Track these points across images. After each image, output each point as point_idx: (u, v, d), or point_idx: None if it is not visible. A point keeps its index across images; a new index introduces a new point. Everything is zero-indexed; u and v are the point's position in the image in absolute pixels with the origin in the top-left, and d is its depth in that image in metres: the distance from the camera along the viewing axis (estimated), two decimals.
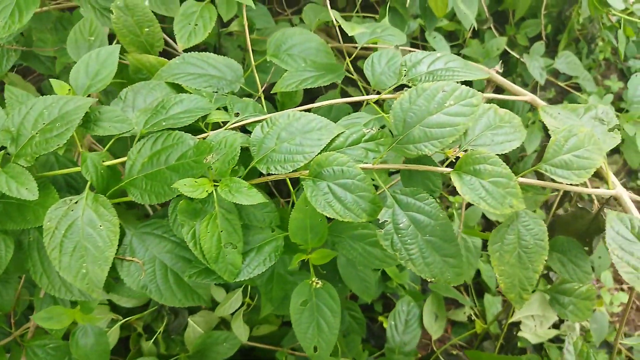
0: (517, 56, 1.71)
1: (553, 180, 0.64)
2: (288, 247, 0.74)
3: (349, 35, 0.86)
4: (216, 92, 0.85)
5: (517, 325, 1.02)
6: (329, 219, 0.68)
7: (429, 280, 0.65)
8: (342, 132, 0.73)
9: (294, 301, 0.72)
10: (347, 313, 1.27)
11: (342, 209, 0.65)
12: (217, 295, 0.99)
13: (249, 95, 0.95)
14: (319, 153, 0.69)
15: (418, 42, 1.78)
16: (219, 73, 0.88)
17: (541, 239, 0.65)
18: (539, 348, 1.73)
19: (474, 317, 1.67)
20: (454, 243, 0.66)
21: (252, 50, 0.99)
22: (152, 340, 0.97)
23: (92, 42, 0.92)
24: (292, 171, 0.69)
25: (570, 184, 0.64)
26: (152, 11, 0.97)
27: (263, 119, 0.74)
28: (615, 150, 2.18)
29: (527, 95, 0.89)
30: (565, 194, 0.87)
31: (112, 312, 1.02)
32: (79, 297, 0.73)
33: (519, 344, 1.66)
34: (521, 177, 0.67)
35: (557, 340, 1.77)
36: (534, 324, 0.99)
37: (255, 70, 0.95)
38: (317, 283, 0.70)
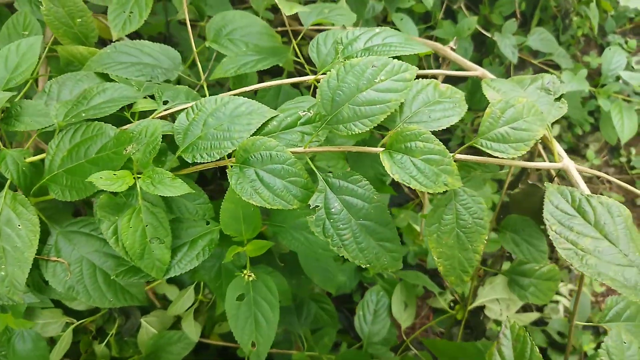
0: (490, 35, 1.67)
1: (490, 155, 0.61)
2: (225, 239, 0.70)
3: (287, 14, 0.81)
4: (150, 80, 0.81)
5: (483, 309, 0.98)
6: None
7: (363, 266, 0.61)
8: (275, 116, 0.69)
9: (229, 296, 0.68)
10: (316, 306, 1.24)
11: (271, 196, 0.61)
12: (170, 293, 0.95)
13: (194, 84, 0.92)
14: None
15: (389, 25, 1.73)
16: (154, 61, 0.84)
17: (480, 218, 0.61)
18: None
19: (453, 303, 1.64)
20: (390, 226, 0.63)
21: (203, 37, 0.95)
22: (104, 343, 0.94)
23: (26, 37, 0.88)
24: (220, 159, 0.65)
25: (509, 158, 0.60)
26: (89, 1, 0.94)
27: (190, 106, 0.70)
28: (597, 127, 2.14)
29: (478, 71, 0.85)
30: (523, 170, 0.83)
31: (66, 316, 0.99)
32: (6, 301, 0.69)
33: (499, 329, 1.62)
34: (458, 153, 0.63)
35: (542, 323, 1.74)
36: (499, 307, 0.95)
37: (197, 57, 0.91)
38: (250, 276, 0.66)
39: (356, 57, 0.73)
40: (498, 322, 1.53)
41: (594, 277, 0.49)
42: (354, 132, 0.62)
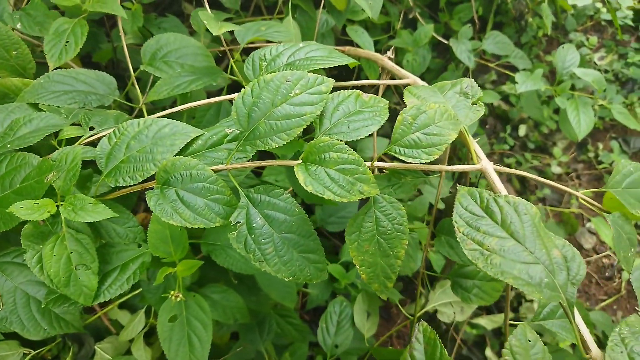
0: (445, 42, 1.69)
1: (403, 161, 0.61)
2: (157, 261, 0.70)
3: (214, 34, 0.82)
4: (83, 107, 0.82)
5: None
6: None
7: (286, 279, 0.61)
8: (201, 135, 0.70)
9: (162, 317, 0.68)
10: (281, 321, 1.23)
11: (192, 215, 0.62)
12: (122, 318, 0.95)
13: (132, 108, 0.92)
14: None
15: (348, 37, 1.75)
16: (88, 88, 0.85)
17: (400, 224, 0.62)
18: (498, 333, 1.69)
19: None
20: (313, 238, 0.63)
21: None
22: None
23: None
24: (143, 181, 0.65)
25: (422, 163, 0.61)
26: (25, 33, 0.94)
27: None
28: None
29: (410, 78, 0.86)
30: (462, 174, 0.84)
31: (22, 347, 0.98)
32: None
33: (475, 332, 1.62)
34: (376, 162, 0.64)
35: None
36: (452, 310, 0.95)
37: (135, 81, 0.92)
38: (177, 296, 0.66)
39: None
40: (476, 326, 1.53)
41: (498, 276, 0.49)
42: (271, 147, 0.63)
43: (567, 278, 0.50)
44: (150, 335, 1.00)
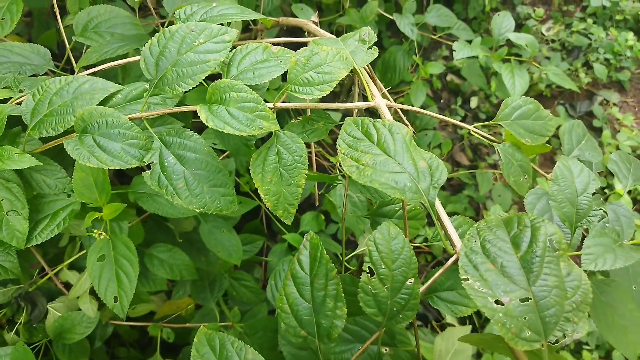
0: (390, 17, 1.75)
1: (298, 99, 0.67)
2: (86, 209, 0.76)
3: (132, 5, 0.88)
4: (18, 75, 0.87)
5: None
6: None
7: (198, 210, 0.67)
8: (120, 90, 0.75)
9: (91, 257, 0.73)
10: (235, 284, 1.29)
11: (109, 158, 0.67)
12: (72, 279, 1.00)
13: None
14: None
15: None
16: (23, 59, 0.90)
17: (300, 156, 0.68)
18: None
19: None
20: (222, 173, 0.69)
21: None
22: (14, 331, 0.98)
23: None
24: (64, 132, 0.71)
25: (314, 99, 0.67)
26: None
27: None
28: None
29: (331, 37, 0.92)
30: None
31: None
32: None
33: None
34: (278, 102, 0.70)
35: None
36: None
37: (70, 53, 0.97)
38: (101, 234, 0.72)
39: None
40: None
41: (367, 183, 0.56)
42: (178, 92, 0.68)
43: (430, 183, 0.57)
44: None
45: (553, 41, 2.23)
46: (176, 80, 0.69)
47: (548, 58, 2.12)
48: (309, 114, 0.75)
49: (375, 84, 0.81)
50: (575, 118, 2.04)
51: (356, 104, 0.72)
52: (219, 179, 0.69)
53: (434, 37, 1.80)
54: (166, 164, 0.68)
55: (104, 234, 0.73)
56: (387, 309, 0.53)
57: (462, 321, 1.63)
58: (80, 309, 1.00)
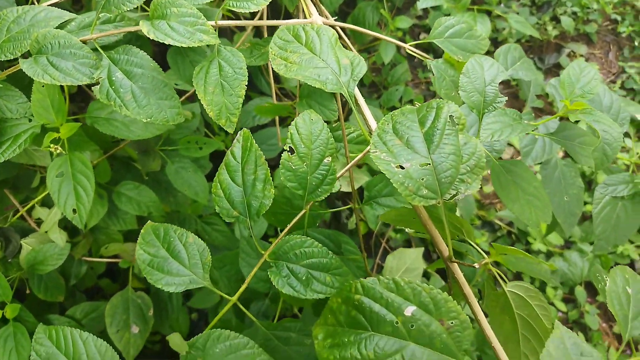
0: None
1: (239, 18, 0.72)
2: (45, 131, 0.81)
3: None
4: None
5: None
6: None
7: (145, 120, 0.72)
8: (74, 18, 0.80)
9: (51, 174, 0.79)
10: (207, 228, 1.35)
11: (61, 75, 0.72)
12: (43, 215, 1.05)
13: None
14: None
15: None
16: None
17: (240, 68, 0.73)
18: (423, 238, 1.84)
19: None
20: (168, 87, 0.74)
21: None
22: None
23: None
24: (22, 55, 0.76)
25: (248, 14, 0.71)
26: None
27: None
28: None
29: None
30: None
31: None
32: None
33: (399, 236, 1.75)
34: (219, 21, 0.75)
35: None
36: (339, 184, 1.07)
37: None
38: (56, 149, 0.77)
39: None
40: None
41: (292, 76, 0.61)
42: (124, 10, 0.73)
43: (350, 77, 0.62)
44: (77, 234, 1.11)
45: None
46: (123, 2, 0.73)
47: (517, 14, 2.16)
48: (248, 31, 0.80)
49: (318, 7, 0.85)
50: (543, 70, 2.09)
51: (294, 21, 0.77)
52: (165, 92, 0.74)
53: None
54: (114, 78, 0.73)
55: (59, 148, 0.78)
56: (307, 183, 0.58)
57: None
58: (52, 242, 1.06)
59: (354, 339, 0.50)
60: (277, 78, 1.63)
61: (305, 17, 0.82)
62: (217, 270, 1.19)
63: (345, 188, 1.08)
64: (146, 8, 0.81)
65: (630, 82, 1.91)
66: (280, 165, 0.58)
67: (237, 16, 1.07)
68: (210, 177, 1.35)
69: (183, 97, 1.19)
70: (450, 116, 0.56)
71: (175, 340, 0.72)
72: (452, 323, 0.49)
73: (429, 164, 0.54)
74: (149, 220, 0.67)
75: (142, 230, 0.66)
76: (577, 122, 0.75)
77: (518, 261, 0.65)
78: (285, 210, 0.79)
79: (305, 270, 0.57)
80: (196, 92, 0.73)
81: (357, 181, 1.09)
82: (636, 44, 2.05)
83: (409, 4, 2.30)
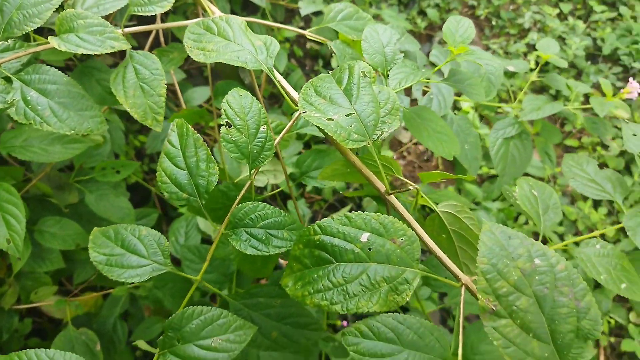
0: None
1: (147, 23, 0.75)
2: None
3: None
4: None
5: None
6: None
7: (69, 133, 0.72)
8: None
9: None
10: None
11: None
12: None
13: None
14: None
15: None
16: None
17: (157, 69, 0.76)
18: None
19: None
20: (86, 99, 0.75)
21: None
22: None
23: None
24: None
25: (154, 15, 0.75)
26: None
27: None
28: None
29: None
30: None
31: None
32: None
33: None
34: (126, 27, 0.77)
35: None
36: (266, 177, 1.12)
37: None
38: None
39: None
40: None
41: (213, 61, 0.65)
42: (26, 31, 0.73)
43: (267, 55, 0.68)
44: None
45: None
46: (24, 22, 0.73)
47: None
48: (153, 35, 0.83)
49: (215, 7, 0.90)
50: None
51: (197, 19, 0.81)
52: (84, 103, 0.74)
53: (282, 2, 1.94)
54: (29, 98, 0.72)
55: None
56: (249, 152, 0.62)
57: None
58: None
59: (322, 273, 0.55)
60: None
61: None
62: (159, 290, 1.17)
63: (273, 180, 1.13)
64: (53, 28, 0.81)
65: (495, 56, 2.16)
66: (221, 139, 0.61)
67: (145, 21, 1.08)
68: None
69: None
70: (362, 72, 0.64)
71: (143, 344, 0.72)
72: (402, 240, 0.56)
73: (353, 113, 0.61)
74: (95, 229, 0.67)
75: (90, 237, 0.66)
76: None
77: (440, 196, 0.74)
78: (222, 204, 0.82)
79: (263, 232, 0.61)
80: (116, 97, 0.74)
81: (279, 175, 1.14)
82: (493, 23, 2.33)
83: (291, 16, 2.42)
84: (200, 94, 1.36)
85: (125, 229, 0.65)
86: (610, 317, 1.75)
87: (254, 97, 0.64)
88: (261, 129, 0.63)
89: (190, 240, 1.27)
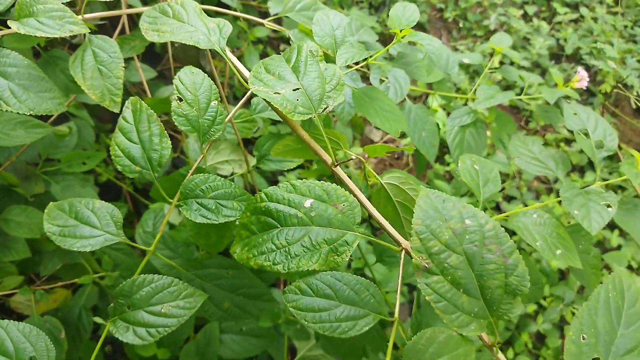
0: None
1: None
2: None
3: None
4: None
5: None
6: None
7: (27, 113, 0.74)
8: None
9: None
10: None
11: None
12: None
13: None
14: None
15: None
16: None
17: (114, 52, 0.78)
18: None
19: None
20: (45, 81, 0.76)
21: None
22: None
23: None
24: None
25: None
26: None
27: None
28: None
29: None
30: None
31: None
32: None
33: None
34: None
35: None
36: (231, 167, 1.14)
37: None
38: None
39: None
40: None
41: (167, 40, 0.68)
42: None
43: (219, 36, 0.71)
44: None
45: (361, 1, 2.53)
46: None
47: None
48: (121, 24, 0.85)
49: None
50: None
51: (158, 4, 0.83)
52: (44, 85, 0.76)
53: (254, 3, 1.98)
54: None
55: None
56: (199, 126, 0.65)
57: None
58: None
59: (267, 237, 0.58)
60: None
61: None
62: (123, 278, 1.18)
63: (238, 170, 1.15)
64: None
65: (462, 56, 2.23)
66: (172, 112, 0.64)
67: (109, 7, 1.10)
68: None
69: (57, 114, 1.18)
70: (310, 51, 0.67)
71: (98, 319, 0.74)
72: (343, 205, 0.58)
73: (300, 88, 0.64)
74: (51, 203, 0.69)
75: (45, 211, 0.67)
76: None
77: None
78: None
79: (213, 202, 0.63)
80: (75, 79, 0.76)
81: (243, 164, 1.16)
82: (461, 25, 2.40)
83: (263, 17, 2.44)
84: (170, 92, 1.38)
85: (79, 202, 0.67)
86: (574, 308, 1.80)
87: (206, 75, 0.67)
88: (212, 104, 0.66)
89: (157, 231, 1.29)
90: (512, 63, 2.20)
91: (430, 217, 0.56)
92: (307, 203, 0.58)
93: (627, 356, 0.58)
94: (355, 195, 0.63)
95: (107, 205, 0.66)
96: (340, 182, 0.65)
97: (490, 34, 2.34)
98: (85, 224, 0.64)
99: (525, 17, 2.39)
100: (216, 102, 0.66)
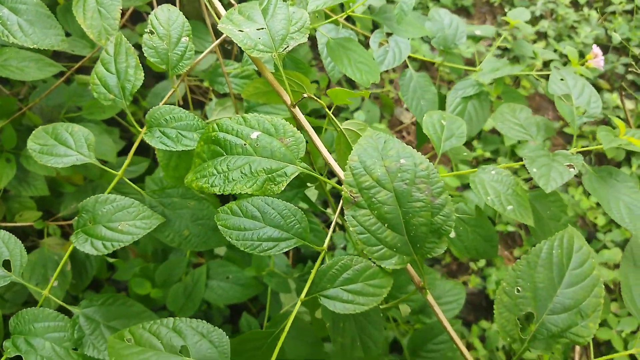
0: None
1: None
2: None
3: None
4: None
5: None
6: None
7: (32, 46, 0.80)
8: None
9: None
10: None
11: None
12: None
13: None
14: None
15: None
16: None
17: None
18: None
19: None
20: (51, 19, 0.83)
21: None
22: None
23: None
24: None
25: None
26: None
27: None
28: None
29: None
30: None
31: None
32: None
33: None
34: None
35: None
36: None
37: None
38: None
39: None
40: None
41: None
42: None
43: None
44: None
45: None
46: None
47: None
48: None
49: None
50: None
51: None
52: (49, 22, 0.82)
53: None
54: (1, 14, 0.81)
55: None
56: (169, 59, 0.69)
57: None
58: None
59: (212, 163, 0.61)
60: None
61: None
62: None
63: None
64: None
65: (504, 41, 2.16)
66: (142, 44, 0.68)
67: None
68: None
69: (81, 62, 1.26)
70: None
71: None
72: (289, 140, 0.60)
73: (264, 28, 0.66)
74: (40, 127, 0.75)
75: (33, 132, 0.73)
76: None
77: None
78: None
79: (175, 132, 0.67)
80: (76, 18, 0.82)
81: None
82: (506, 10, 2.32)
83: None
84: None
85: (61, 126, 0.72)
86: None
87: (181, 12, 0.71)
88: (182, 39, 0.69)
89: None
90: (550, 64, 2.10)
91: (368, 155, 0.57)
92: (254, 135, 0.61)
93: (565, 314, 0.57)
94: (308, 134, 0.64)
95: (84, 130, 0.71)
96: (296, 121, 0.67)
97: (536, 20, 2.25)
98: (62, 144, 0.70)
99: (577, 5, 2.27)
100: (187, 38, 0.70)
